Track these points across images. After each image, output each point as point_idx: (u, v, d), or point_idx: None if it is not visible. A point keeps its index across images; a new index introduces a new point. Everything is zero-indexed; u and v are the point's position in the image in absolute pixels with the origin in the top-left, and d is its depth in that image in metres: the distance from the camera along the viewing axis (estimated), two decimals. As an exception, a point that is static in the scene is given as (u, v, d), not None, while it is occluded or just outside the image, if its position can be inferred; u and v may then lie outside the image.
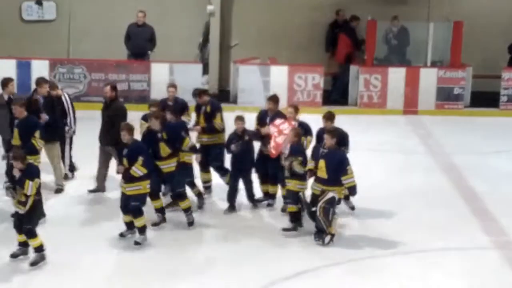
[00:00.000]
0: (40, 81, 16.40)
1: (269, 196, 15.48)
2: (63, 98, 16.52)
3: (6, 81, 16.34)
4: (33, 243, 12.62)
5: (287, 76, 23.24)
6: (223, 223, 14.93)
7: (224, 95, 23.63)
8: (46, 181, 15.33)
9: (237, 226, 14.80)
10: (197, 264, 13.24)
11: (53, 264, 12.81)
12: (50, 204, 15.24)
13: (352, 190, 13.83)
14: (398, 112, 23.26)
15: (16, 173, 12.41)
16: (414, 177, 17.98)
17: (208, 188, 16.00)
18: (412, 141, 20.99)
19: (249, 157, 15.14)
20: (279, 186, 15.20)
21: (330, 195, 13.54)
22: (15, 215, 12.69)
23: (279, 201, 15.40)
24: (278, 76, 23.20)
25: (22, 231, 12.64)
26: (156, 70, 22.95)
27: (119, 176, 13.95)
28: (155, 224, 14.32)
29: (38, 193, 12.67)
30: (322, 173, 13.61)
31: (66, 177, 16.61)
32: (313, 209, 13.66)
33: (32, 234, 12.56)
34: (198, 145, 15.40)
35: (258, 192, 15.62)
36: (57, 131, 16.13)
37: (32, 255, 12.77)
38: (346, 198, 14.86)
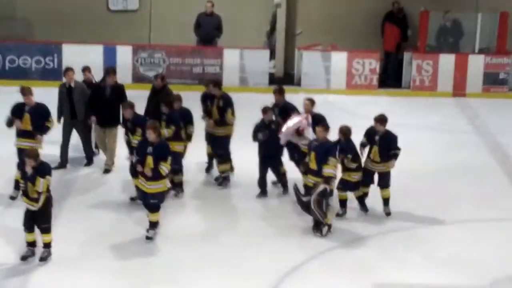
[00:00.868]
0: (110, 70, 16.19)
1: None
2: None
3: (66, 70, 16.15)
4: (45, 238, 11.86)
5: (346, 61, 23.07)
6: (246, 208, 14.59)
7: (288, 78, 23.58)
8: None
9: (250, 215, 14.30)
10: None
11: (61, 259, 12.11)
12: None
13: (327, 180, 12.87)
14: (448, 94, 23.01)
15: (29, 170, 11.61)
16: (462, 154, 17.82)
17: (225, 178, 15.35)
18: (460, 122, 20.78)
19: (275, 145, 14.39)
20: None
21: (322, 187, 12.75)
22: (27, 214, 11.78)
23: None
24: (338, 61, 23.05)
25: (32, 230, 11.81)
26: (228, 55, 22.92)
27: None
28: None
29: (48, 190, 11.79)
30: (313, 165, 12.99)
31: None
32: (304, 199, 13.06)
33: (48, 231, 11.84)
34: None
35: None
36: (117, 118, 15.68)
37: (41, 250, 11.98)
38: (385, 203, 14.13)
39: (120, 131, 15.40)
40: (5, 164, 14.75)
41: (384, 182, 13.90)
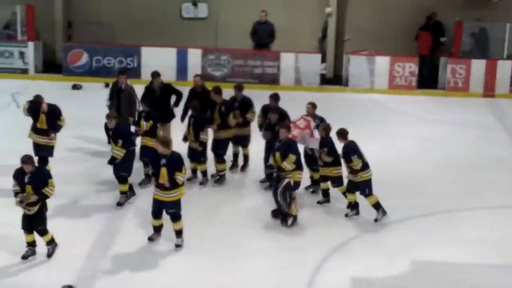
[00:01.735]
0: (155, 74, 15.75)
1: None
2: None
3: (119, 73, 16.09)
4: (45, 238, 11.17)
5: (388, 65, 23.07)
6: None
7: (337, 79, 23.76)
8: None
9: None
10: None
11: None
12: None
13: (269, 167, 12.88)
14: (478, 95, 22.88)
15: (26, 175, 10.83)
16: (491, 148, 17.82)
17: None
18: (489, 119, 20.67)
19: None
20: None
21: (286, 180, 12.40)
22: (24, 217, 10.98)
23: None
24: (381, 65, 23.09)
25: (31, 231, 11.07)
26: (285, 58, 23.09)
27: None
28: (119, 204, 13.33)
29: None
30: (279, 162, 12.52)
31: None
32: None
33: (44, 232, 11.12)
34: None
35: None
36: (170, 114, 15.62)
37: (46, 247, 11.28)
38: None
39: (173, 126, 15.52)
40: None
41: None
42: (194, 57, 22.92)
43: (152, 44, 23.08)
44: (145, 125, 13.89)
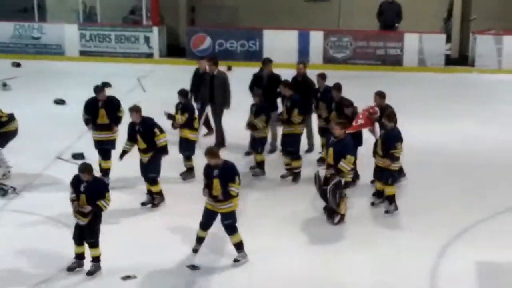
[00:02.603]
0: (266, 60, 15.23)
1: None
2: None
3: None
4: (93, 252, 10.35)
5: (518, 44, 22.35)
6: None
7: (463, 59, 23.21)
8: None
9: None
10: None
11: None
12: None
13: (337, 170, 11.76)
14: None
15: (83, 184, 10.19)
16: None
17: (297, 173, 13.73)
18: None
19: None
20: None
21: (337, 179, 11.74)
22: (76, 226, 10.29)
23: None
24: (510, 44, 22.37)
25: (81, 243, 10.34)
26: (408, 39, 22.70)
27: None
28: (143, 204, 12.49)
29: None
30: (330, 159, 11.80)
31: None
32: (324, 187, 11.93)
33: (94, 245, 10.33)
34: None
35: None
36: (273, 105, 14.66)
37: (89, 264, 10.39)
38: (388, 199, 12.40)
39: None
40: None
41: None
42: (316, 39, 22.85)
43: (274, 27, 23.15)
44: (180, 118, 13.29)
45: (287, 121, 13.62)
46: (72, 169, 12.91)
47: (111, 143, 13.27)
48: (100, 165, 13.16)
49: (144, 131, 12.17)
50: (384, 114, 12.39)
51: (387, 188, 12.29)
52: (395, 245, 11.41)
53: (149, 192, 12.50)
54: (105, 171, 13.25)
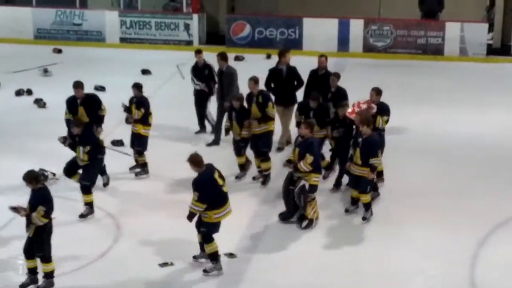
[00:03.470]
0: (283, 51, 14.68)
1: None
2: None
3: (219, 55, 14.69)
4: (44, 267, 9.68)
5: None
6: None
7: (505, 49, 22.92)
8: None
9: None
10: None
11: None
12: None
13: (288, 162, 11.59)
14: None
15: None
16: None
17: (266, 176, 13.03)
18: None
19: (348, 141, 12.23)
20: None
21: (302, 182, 11.30)
22: (26, 239, 9.66)
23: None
24: (554, 34, 22.02)
25: (30, 257, 9.68)
26: (449, 28, 22.44)
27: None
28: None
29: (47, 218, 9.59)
30: (296, 159, 11.35)
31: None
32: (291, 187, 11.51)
33: (43, 260, 9.64)
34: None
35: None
36: (293, 98, 14.39)
37: (41, 280, 9.76)
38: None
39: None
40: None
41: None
42: (356, 27, 22.71)
43: (314, 15, 23.03)
44: (137, 113, 12.99)
45: (262, 118, 12.81)
46: (111, 156, 13.05)
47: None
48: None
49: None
50: (360, 119, 11.59)
51: (362, 196, 11.66)
52: (438, 233, 11.36)
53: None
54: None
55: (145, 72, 19.67)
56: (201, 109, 15.17)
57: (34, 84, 18.62)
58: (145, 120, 13.15)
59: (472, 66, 21.48)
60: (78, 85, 12.90)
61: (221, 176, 10.12)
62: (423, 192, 12.85)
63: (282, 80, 14.43)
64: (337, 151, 12.84)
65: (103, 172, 12.70)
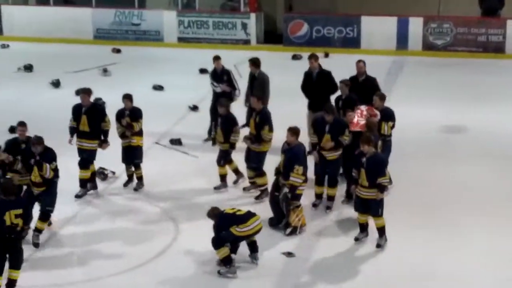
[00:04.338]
0: (312, 56, 14.08)
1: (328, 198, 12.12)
2: None
3: (250, 62, 14.45)
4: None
5: None
6: None
7: None
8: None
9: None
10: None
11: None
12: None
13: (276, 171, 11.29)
14: None
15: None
16: None
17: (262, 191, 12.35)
18: None
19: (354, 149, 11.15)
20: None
21: (285, 190, 10.99)
22: None
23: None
24: None
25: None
26: (511, 25, 22.07)
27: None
28: None
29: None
30: (281, 166, 11.13)
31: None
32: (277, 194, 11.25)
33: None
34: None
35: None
36: (323, 104, 13.07)
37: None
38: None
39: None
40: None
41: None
42: (415, 25, 22.49)
43: (372, 13, 22.87)
44: (137, 125, 12.44)
45: (256, 138, 12.21)
46: (169, 154, 13.13)
47: (89, 153, 12.30)
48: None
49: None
50: (361, 138, 10.72)
51: (376, 220, 10.75)
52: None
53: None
54: (81, 181, 12.37)
55: (203, 71, 19.77)
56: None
57: (93, 84, 18.66)
58: (140, 131, 12.59)
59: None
60: (84, 91, 12.45)
61: None
62: (482, 193, 12.63)
63: (312, 84, 14.04)
64: (344, 160, 11.95)
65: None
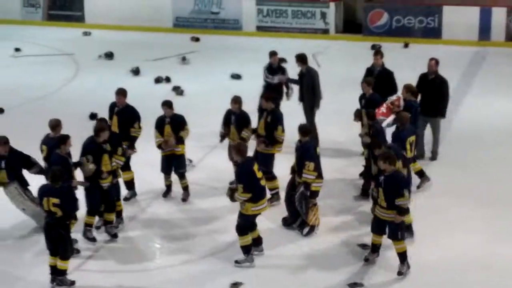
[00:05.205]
0: (377, 52, 14.11)
1: None
2: None
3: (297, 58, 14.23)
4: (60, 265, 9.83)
5: None
6: None
7: None
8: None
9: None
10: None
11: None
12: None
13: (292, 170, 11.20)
14: None
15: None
16: None
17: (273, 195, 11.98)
18: None
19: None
20: None
21: (301, 188, 10.84)
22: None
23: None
24: None
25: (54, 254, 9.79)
26: None
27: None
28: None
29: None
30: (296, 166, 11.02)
31: None
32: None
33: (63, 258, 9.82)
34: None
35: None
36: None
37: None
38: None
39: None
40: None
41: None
42: (499, 16, 22.01)
43: (454, 3, 22.48)
44: (184, 133, 11.98)
45: (268, 138, 11.86)
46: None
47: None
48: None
49: None
50: (380, 156, 10.15)
51: (396, 244, 10.03)
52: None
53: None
54: (126, 183, 12.10)
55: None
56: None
57: (172, 72, 19.06)
58: (181, 138, 12.04)
59: None
60: (119, 92, 12.01)
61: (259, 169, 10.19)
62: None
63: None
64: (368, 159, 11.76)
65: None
